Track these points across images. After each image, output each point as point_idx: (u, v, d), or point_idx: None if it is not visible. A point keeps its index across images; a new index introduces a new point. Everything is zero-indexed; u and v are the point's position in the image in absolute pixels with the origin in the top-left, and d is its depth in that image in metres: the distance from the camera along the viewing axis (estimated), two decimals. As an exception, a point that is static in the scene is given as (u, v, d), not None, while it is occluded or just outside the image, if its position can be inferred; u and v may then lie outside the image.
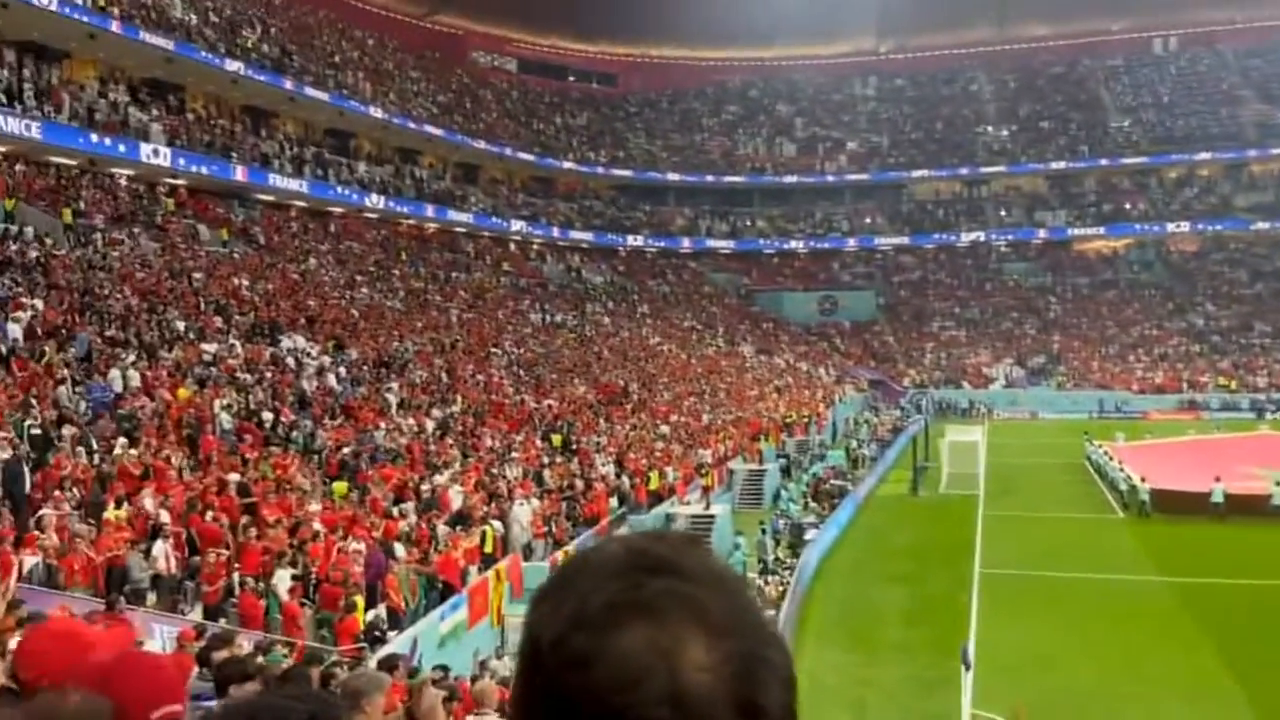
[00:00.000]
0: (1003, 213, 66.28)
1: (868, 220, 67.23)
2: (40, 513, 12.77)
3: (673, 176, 64.83)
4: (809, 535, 24.11)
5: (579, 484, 23.57)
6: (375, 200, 42.79)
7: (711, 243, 64.94)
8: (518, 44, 66.44)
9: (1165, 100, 67.04)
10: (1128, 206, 64.32)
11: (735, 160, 67.93)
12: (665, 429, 32.50)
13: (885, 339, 61.52)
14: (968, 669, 14.96)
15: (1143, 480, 27.95)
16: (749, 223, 66.37)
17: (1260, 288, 60.27)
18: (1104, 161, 64.86)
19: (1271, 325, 56.71)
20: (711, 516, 24.85)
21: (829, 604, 19.98)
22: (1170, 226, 62.76)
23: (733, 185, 66.38)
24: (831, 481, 31.24)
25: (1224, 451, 34.28)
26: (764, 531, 24.02)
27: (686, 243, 64.19)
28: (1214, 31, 68.62)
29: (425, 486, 19.31)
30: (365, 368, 26.20)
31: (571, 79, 69.01)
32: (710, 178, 65.67)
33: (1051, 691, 14.64)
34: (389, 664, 7.59)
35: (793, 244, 66.21)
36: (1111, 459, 32.34)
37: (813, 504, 28.26)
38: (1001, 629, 17.62)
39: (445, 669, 10.45)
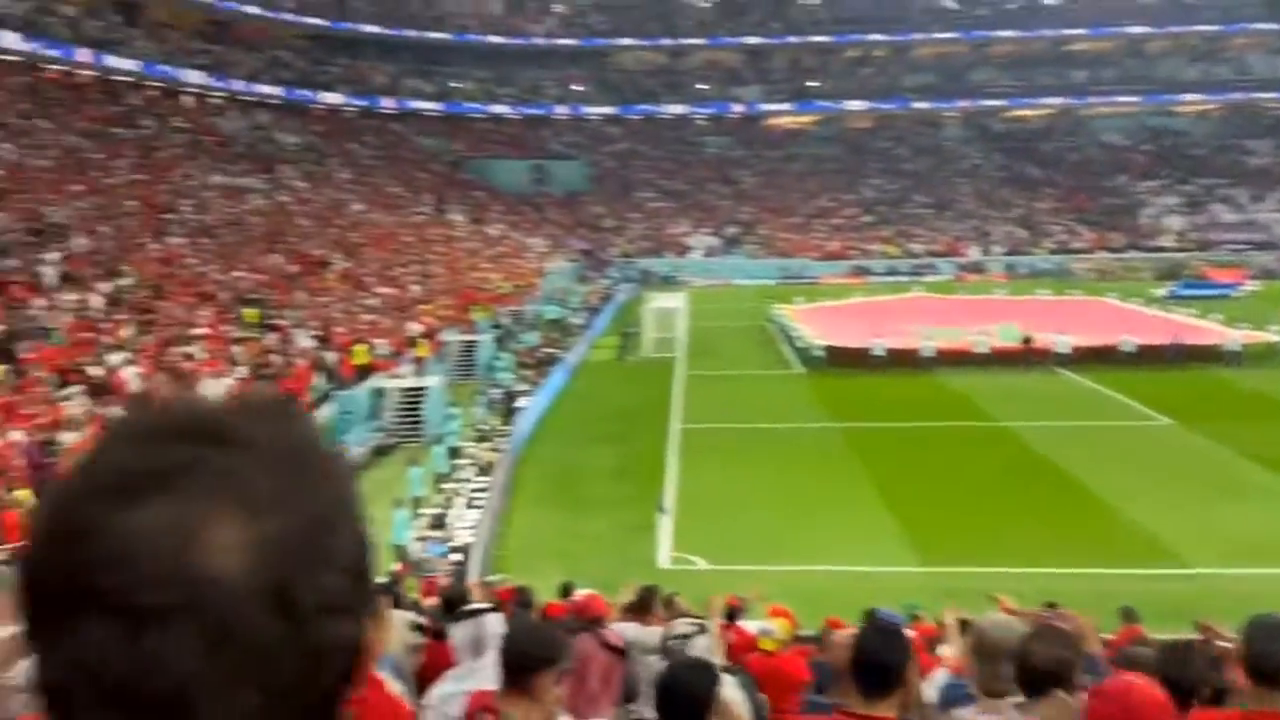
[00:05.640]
0: (702, 86, 68.55)
1: (575, 88, 66.97)
2: None
3: (370, 29, 60.48)
4: (522, 403, 24.53)
5: (276, 360, 22.24)
6: (13, 40, 36.39)
7: (416, 104, 61.87)
8: None
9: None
10: (813, 84, 68.77)
11: (439, 15, 64.52)
12: (373, 300, 31.31)
13: (594, 209, 62.51)
14: (664, 514, 16.19)
15: (817, 339, 31.09)
16: (456, 85, 63.81)
17: (920, 163, 67.34)
18: (793, 39, 68.49)
19: (930, 197, 63.81)
20: (424, 388, 24.52)
21: (542, 466, 20.63)
22: (848, 104, 68.03)
23: (437, 42, 63.21)
24: (544, 350, 31.80)
25: (884, 311, 38.67)
26: (479, 402, 24.11)
27: (388, 103, 60.69)
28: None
29: (95, 369, 17.40)
30: (13, 235, 22.75)
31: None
32: (412, 32, 62.03)
33: (742, 528, 16.20)
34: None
35: (502, 109, 64.69)
36: (791, 320, 35.65)
37: (526, 372, 28.69)
38: (698, 478, 19.13)
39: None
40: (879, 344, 29.85)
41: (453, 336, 30.94)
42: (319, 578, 0.59)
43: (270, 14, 54.56)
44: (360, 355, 24.99)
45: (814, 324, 34.11)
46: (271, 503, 0.59)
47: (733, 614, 7.15)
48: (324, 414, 21.16)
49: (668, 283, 52.21)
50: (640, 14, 68.39)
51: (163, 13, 49.07)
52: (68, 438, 14.28)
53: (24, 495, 12.34)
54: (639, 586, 6.65)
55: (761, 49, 69.12)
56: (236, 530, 0.57)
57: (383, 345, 26.52)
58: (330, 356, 24.06)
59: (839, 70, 70.07)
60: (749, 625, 7.12)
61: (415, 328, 29.33)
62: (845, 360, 29.70)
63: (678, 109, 67.48)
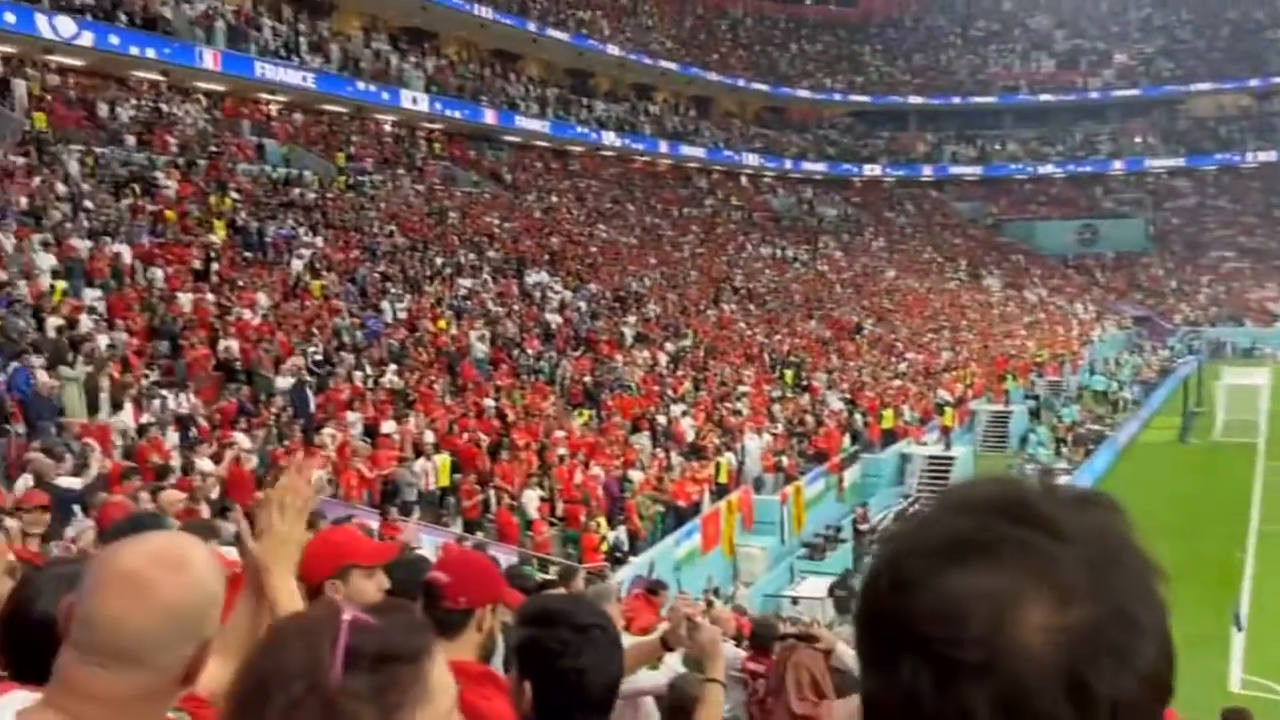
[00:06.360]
0: (1301, 127, 58.21)
1: (1136, 140, 61.05)
2: (322, 430, 14.27)
3: (914, 100, 61.52)
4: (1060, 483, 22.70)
5: (809, 420, 23.39)
6: (611, 138, 43.71)
7: (955, 169, 61.29)
8: (753, -30, 65.01)
9: None
10: None
11: (984, 79, 63.50)
12: (902, 366, 31.49)
13: (1154, 271, 56.07)
14: (1239, 630, 13.76)
15: None
16: (998, 146, 62.03)
17: None
18: None
19: None
20: (951, 458, 23.96)
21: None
22: None
23: (981, 106, 62.11)
24: (1088, 425, 29.18)
25: None
26: (1008, 475, 22.92)
27: (928, 170, 60.97)
28: None
29: (660, 418, 19.87)
30: (603, 302, 27.13)
31: (809, 1, 66.70)
32: (956, 99, 61.77)
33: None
34: (653, 587, 7.91)
35: (1048, 169, 61.35)
36: None
37: (1065, 449, 26.56)
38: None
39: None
40: None
41: (982, 406, 29.81)
42: (1117, 677, 0.60)
43: (820, 96, 58.48)
44: (887, 420, 25.25)
45: None
46: (1080, 593, 0.62)
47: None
48: (849, 475, 21.69)
49: (1247, 356, 44.70)
50: (1220, 55, 60.42)
51: (730, 103, 55.20)
52: (636, 476, 16.48)
53: (601, 523, 14.49)
54: (1223, 708, 5.84)
55: (1389, 77, 56.77)
56: (1045, 612, 0.60)
57: (909, 411, 26.51)
58: (858, 419, 24.66)
59: None
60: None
61: (943, 395, 28.83)
62: None
63: (1267, 156, 57.97)
